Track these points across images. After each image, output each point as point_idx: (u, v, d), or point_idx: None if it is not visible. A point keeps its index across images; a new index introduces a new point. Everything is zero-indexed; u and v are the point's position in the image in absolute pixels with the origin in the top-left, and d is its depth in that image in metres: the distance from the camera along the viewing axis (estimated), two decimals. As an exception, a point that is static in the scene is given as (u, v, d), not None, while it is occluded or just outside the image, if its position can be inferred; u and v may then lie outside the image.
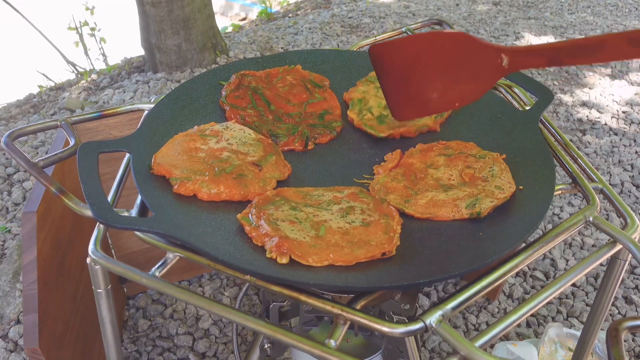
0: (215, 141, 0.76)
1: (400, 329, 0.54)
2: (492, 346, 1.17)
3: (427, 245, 0.64)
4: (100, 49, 2.88)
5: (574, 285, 1.44)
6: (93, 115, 0.83)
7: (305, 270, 0.58)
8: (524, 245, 0.64)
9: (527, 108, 0.84)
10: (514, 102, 0.88)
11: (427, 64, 0.73)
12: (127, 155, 0.74)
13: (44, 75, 2.77)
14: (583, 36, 2.82)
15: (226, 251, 0.59)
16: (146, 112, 0.84)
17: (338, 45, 2.67)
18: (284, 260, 0.58)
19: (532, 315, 1.34)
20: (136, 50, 2.48)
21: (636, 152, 1.99)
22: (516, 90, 0.92)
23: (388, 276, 0.59)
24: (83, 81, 2.41)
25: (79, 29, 2.79)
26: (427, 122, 0.83)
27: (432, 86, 0.74)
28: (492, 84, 0.73)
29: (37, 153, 1.83)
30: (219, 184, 0.68)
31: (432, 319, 0.55)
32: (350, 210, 0.67)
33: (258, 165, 0.73)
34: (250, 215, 0.64)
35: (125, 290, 1.34)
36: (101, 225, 0.68)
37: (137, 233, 0.63)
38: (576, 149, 0.80)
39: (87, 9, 2.86)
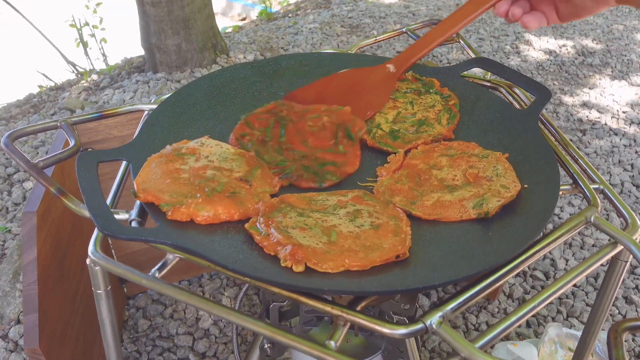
0: (195, 159, 0.71)
1: (400, 331, 0.54)
2: (492, 346, 1.17)
3: (438, 247, 0.63)
4: (100, 48, 2.88)
5: (574, 285, 1.44)
6: (93, 115, 0.83)
7: (319, 276, 0.57)
8: (524, 245, 0.64)
9: (526, 107, 0.84)
10: (514, 103, 0.88)
11: (331, 93, 0.89)
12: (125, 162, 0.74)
13: (44, 75, 2.77)
14: (583, 37, 2.82)
15: (236, 259, 0.58)
16: (144, 116, 0.84)
17: (338, 45, 2.67)
18: (300, 269, 0.57)
19: (532, 315, 1.33)
20: (136, 50, 2.48)
21: (636, 152, 1.99)
22: (516, 90, 0.91)
23: (403, 279, 0.58)
24: (83, 81, 2.40)
25: (80, 29, 2.79)
26: (441, 130, 0.82)
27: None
28: (392, 87, 0.90)
29: (37, 153, 1.83)
30: (214, 205, 0.64)
31: (433, 320, 0.54)
32: (358, 214, 0.66)
33: (246, 180, 0.69)
34: (258, 224, 0.63)
35: (125, 290, 1.34)
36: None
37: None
38: (576, 149, 0.80)
39: (88, 7, 2.86)
